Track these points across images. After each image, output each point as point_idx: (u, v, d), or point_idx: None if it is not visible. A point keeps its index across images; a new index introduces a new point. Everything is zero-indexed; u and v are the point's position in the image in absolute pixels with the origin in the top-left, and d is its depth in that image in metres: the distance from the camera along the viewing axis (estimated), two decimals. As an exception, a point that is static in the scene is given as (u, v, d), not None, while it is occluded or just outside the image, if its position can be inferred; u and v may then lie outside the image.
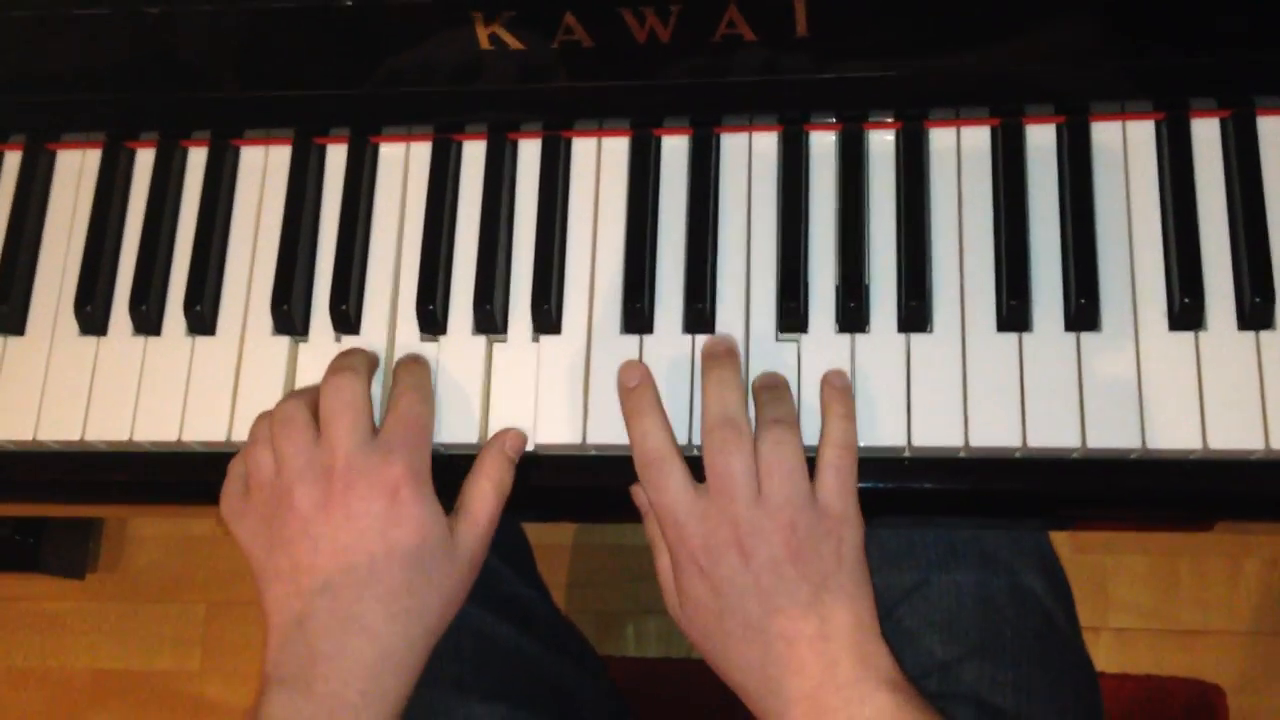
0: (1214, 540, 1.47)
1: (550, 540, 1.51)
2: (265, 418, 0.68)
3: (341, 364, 0.68)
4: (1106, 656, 1.45)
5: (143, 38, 0.68)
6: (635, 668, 1.42)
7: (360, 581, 0.63)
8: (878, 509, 0.68)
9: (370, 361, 0.70)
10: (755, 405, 0.66)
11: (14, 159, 0.78)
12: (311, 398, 0.68)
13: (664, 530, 0.65)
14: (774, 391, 0.66)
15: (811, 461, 0.64)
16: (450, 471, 0.68)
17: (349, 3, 0.64)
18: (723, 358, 0.66)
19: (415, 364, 0.71)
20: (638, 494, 0.68)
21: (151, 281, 0.74)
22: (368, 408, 0.66)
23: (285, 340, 0.73)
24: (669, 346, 0.69)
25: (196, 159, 0.77)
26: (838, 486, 0.64)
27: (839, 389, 0.66)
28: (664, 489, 0.64)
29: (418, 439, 0.66)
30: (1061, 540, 1.47)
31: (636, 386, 0.66)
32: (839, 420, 0.65)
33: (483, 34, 0.66)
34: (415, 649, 0.65)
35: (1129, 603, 1.46)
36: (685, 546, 0.64)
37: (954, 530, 0.82)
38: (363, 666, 0.63)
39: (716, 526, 0.63)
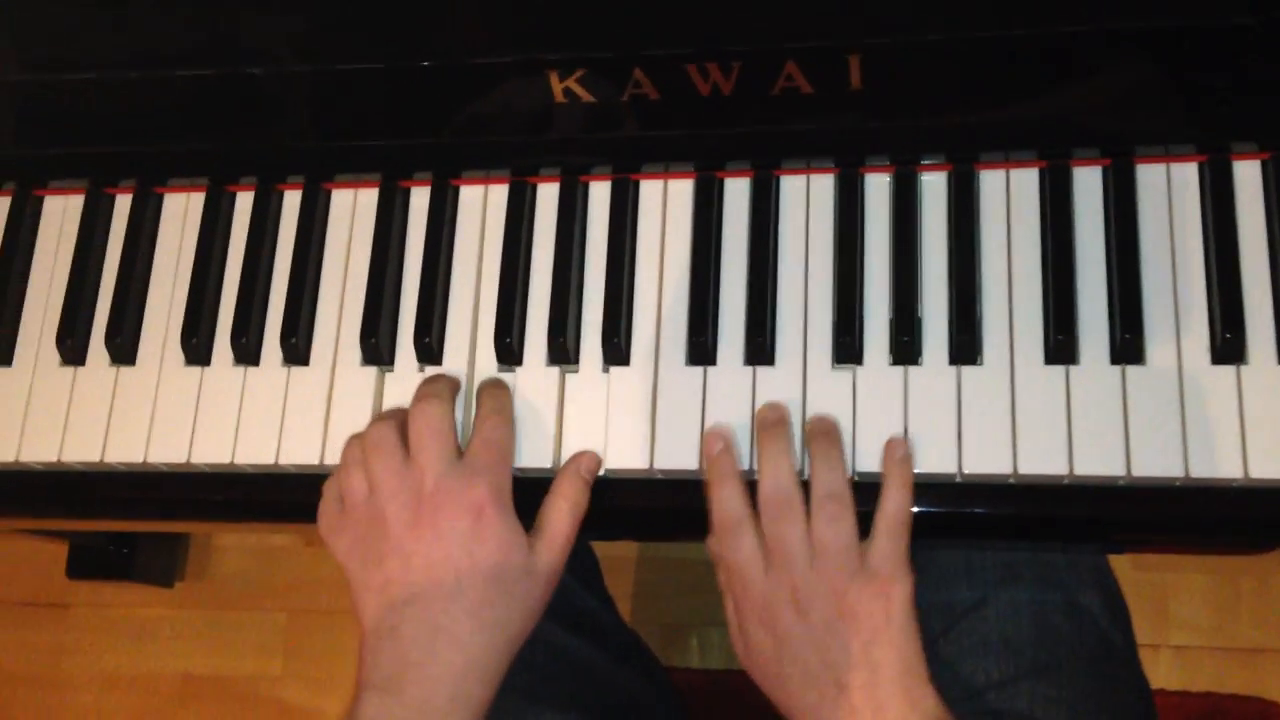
0: (1277, 560, 1.47)
1: (616, 553, 1.53)
2: (357, 441, 0.72)
3: (428, 391, 0.72)
4: (1167, 674, 1.45)
5: (244, 95, 0.73)
6: (699, 679, 1.45)
7: (448, 595, 0.67)
8: (933, 532, 0.71)
9: (454, 387, 0.74)
10: (810, 461, 0.69)
11: (124, 201, 0.83)
12: (400, 421, 0.72)
13: (732, 584, 0.70)
14: (826, 451, 0.69)
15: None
16: (527, 494, 0.71)
17: (433, 63, 0.68)
18: (774, 428, 0.70)
19: (497, 389, 0.75)
20: (711, 546, 0.72)
21: (251, 315, 0.79)
22: (453, 432, 0.70)
23: (373, 370, 0.77)
24: (731, 378, 0.73)
25: (291, 202, 0.81)
26: (890, 551, 0.67)
27: (899, 460, 0.69)
28: (737, 549, 0.68)
29: (500, 461, 0.70)
30: (1122, 559, 1.48)
31: (719, 454, 0.70)
32: (897, 491, 0.68)
33: (557, 88, 0.70)
34: (498, 658, 0.69)
35: (1189, 621, 1.46)
36: (750, 601, 0.68)
37: (1011, 551, 0.84)
38: (450, 674, 0.67)
39: (777, 587, 0.67)
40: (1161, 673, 1.45)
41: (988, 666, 0.80)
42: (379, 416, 0.74)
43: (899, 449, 0.69)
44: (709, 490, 0.70)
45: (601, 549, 1.05)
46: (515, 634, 0.70)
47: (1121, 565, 1.47)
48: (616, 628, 0.98)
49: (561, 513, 0.71)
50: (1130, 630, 0.87)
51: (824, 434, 0.70)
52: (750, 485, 0.69)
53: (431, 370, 0.77)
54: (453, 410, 0.72)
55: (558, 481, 0.72)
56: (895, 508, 0.68)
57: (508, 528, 0.69)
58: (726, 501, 0.69)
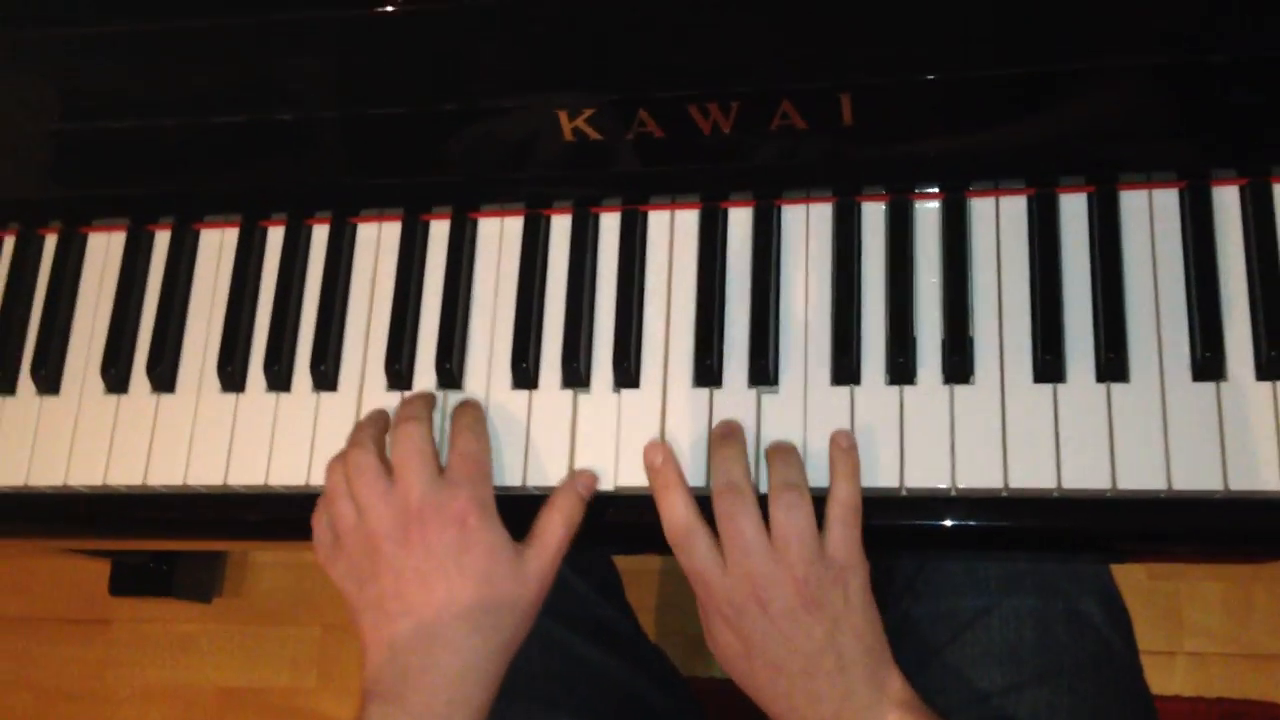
0: (1289, 566, 1.48)
1: (639, 566, 1.56)
2: (339, 465, 0.75)
3: (406, 413, 0.76)
4: (1182, 680, 1.47)
5: (275, 138, 0.78)
6: (719, 687, 1.48)
7: (440, 603, 0.71)
8: (925, 544, 0.75)
9: (430, 404, 0.78)
10: (769, 468, 0.72)
11: (163, 237, 0.88)
12: (376, 442, 0.75)
13: (695, 588, 0.72)
14: (784, 455, 0.72)
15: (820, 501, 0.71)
16: (537, 510, 0.75)
17: (452, 107, 0.73)
18: (727, 437, 0.73)
19: (470, 407, 0.78)
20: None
21: (282, 344, 0.83)
22: (432, 450, 0.74)
23: (397, 395, 0.81)
24: (736, 398, 0.76)
25: (319, 235, 0.86)
26: (844, 539, 0.70)
27: (844, 449, 0.72)
28: (692, 553, 0.71)
29: (478, 473, 0.74)
30: (1136, 568, 1.51)
31: (661, 465, 0.74)
32: (845, 480, 0.71)
33: (567, 128, 0.74)
34: (493, 660, 0.72)
35: (1203, 627, 1.48)
36: (713, 601, 0.71)
37: (1012, 562, 0.86)
38: (447, 678, 0.70)
39: (737, 583, 0.70)
40: (1177, 679, 1.46)
41: (991, 674, 0.82)
42: (353, 438, 0.76)
43: (844, 439, 0.73)
44: (656, 501, 0.73)
45: (625, 563, 1.08)
46: (508, 636, 0.73)
47: (1136, 574, 1.49)
48: (636, 638, 1.00)
49: (554, 523, 0.74)
50: (1132, 636, 0.89)
51: (780, 450, 0.73)
52: (703, 503, 0.72)
53: (454, 395, 0.81)
54: (431, 429, 0.75)
55: (554, 495, 0.75)
56: (846, 495, 0.71)
57: (492, 535, 0.72)
58: (674, 509, 0.72)
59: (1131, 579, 1.51)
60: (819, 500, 0.71)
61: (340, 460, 0.76)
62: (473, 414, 0.77)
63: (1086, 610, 0.85)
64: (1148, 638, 1.47)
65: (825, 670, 0.69)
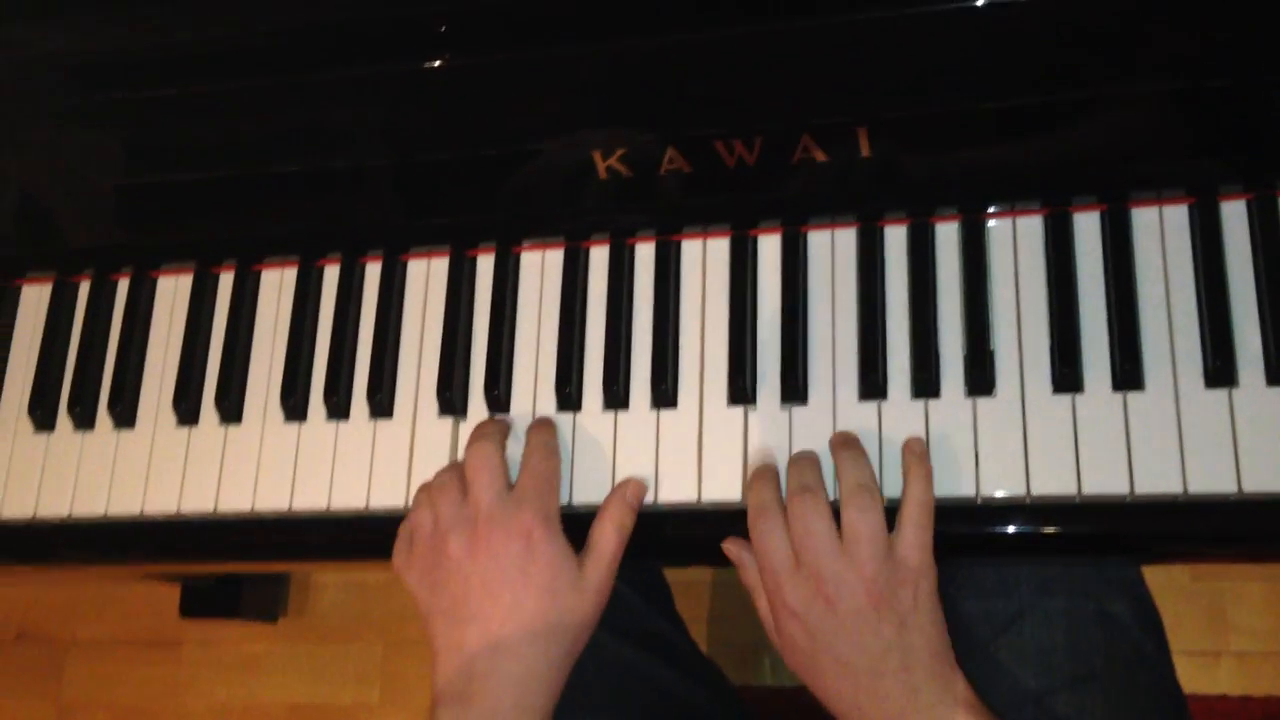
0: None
1: (691, 578, 1.59)
2: (425, 487, 0.80)
3: (479, 433, 0.80)
4: (1230, 680, 1.47)
5: (331, 186, 0.83)
6: (769, 695, 1.51)
7: (505, 610, 0.75)
8: (963, 550, 0.78)
9: (503, 429, 0.82)
10: (836, 466, 0.76)
11: (227, 278, 0.93)
12: (459, 467, 0.80)
13: (765, 580, 0.75)
14: (852, 453, 0.75)
15: (890, 511, 0.74)
16: (587, 526, 0.79)
17: (494, 151, 0.78)
18: (801, 459, 0.77)
19: (543, 426, 0.82)
20: (729, 548, 0.78)
21: (340, 375, 0.88)
22: (503, 467, 0.78)
23: (449, 420, 0.86)
24: (768, 416, 0.80)
25: (372, 272, 0.90)
26: (915, 541, 0.73)
27: (919, 455, 0.75)
28: (768, 537, 0.74)
29: (545, 489, 0.78)
30: (1180, 570, 1.52)
31: (762, 466, 0.78)
32: (919, 482, 0.74)
33: (601, 167, 0.79)
34: (555, 667, 0.76)
35: (1249, 627, 1.49)
36: (781, 596, 0.74)
37: (1045, 566, 0.88)
38: (512, 683, 0.74)
39: (806, 579, 0.72)
40: (1224, 679, 1.47)
41: (1026, 680, 0.84)
42: (445, 467, 0.82)
43: (917, 445, 0.76)
44: (749, 489, 0.76)
45: (675, 575, 1.11)
46: (569, 645, 0.77)
47: (1180, 576, 1.51)
48: (686, 648, 1.03)
49: (608, 534, 0.78)
50: (1163, 638, 0.90)
51: (846, 441, 0.76)
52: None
53: (501, 418, 0.85)
54: (502, 449, 0.80)
55: (605, 506, 0.79)
56: (920, 494, 0.73)
57: (556, 548, 0.76)
58: (761, 491, 0.76)
59: (1175, 581, 1.52)
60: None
61: (427, 483, 0.80)
62: (546, 433, 0.82)
63: (1117, 612, 0.87)
64: (1193, 638, 1.49)
65: (891, 669, 0.71)
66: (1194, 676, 1.47)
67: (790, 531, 0.74)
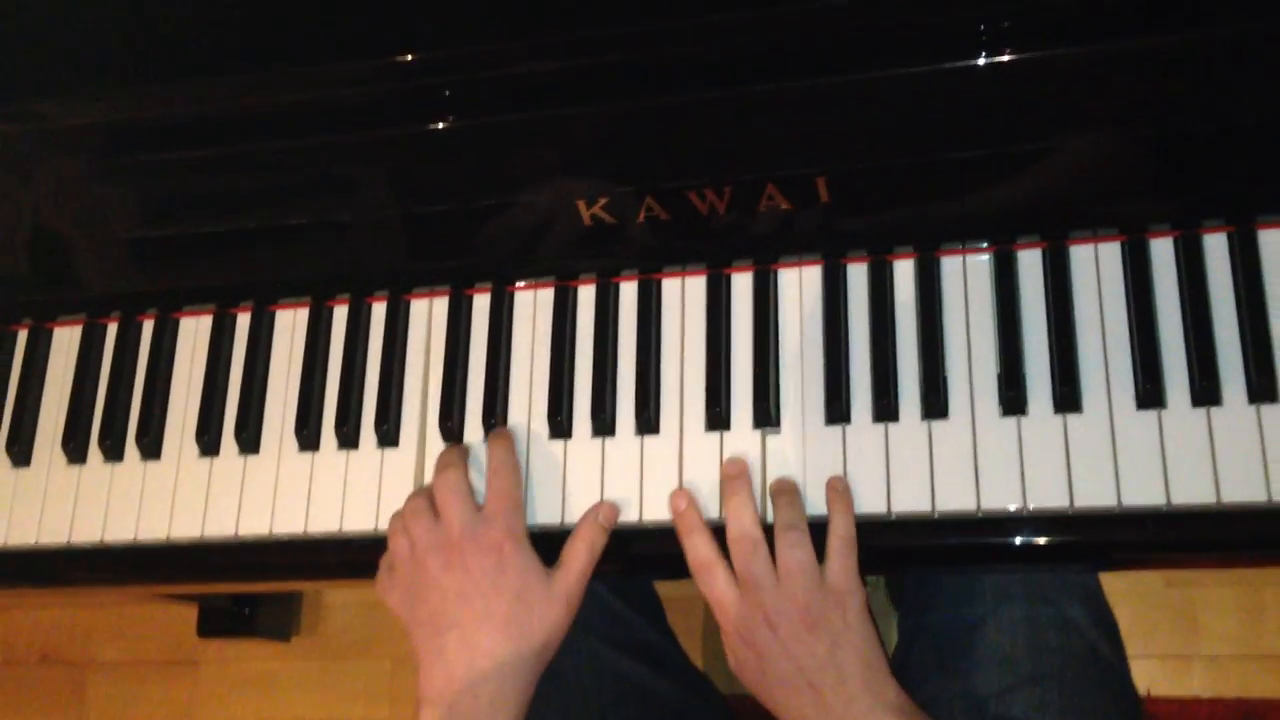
0: (1299, 569, 1.54)
1: (683, 593, 1.59)
2: (399, 515, 0.87)
3: (444, 461, 0.87)
4: (1201, 682, 1.52)
5: (337, 235, 0.91)
6: (756, 704, 1.57)
7: (479, 616, 0.82)
8: (917, 561, 0.84)
9: (465, 452, 0.89)
10: (774, 509, 0.83)
11: (244, 319, 1.00)
12: (429, 494, 0.87)
13: (716, 614, 0.84)
14: (787, 497, 0.83)
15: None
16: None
17: (489, 203, 0.85)
18: (735, 480, 0.84)
19: (502, 443, 0.88)
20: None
21: (350, 407, 0.95)
22: (468, 490, 0.85)
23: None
24: (743, 440, 0.87)
25: (378, 311, 0.97)
26: (841, 569, 0.81)
27: (840, 491, 0.83)
28: (712, 586, 0.83)
29: (511, 506, 0.85)
30: (1154, 576, 1.58)
31: (685, 510, 0.85)
32: (841, 516, 0.82)
33: (585, 214, 0.86)
34: (527, 665, 0.83)
35: (1219, 631, 1.54)
36: (731, 625, 0.83)
37: (1004, 574, 0.94)
38: (487, 680, 0.81)
39: (751, 610, 0.81)
40: (1195, 682, 1.52)
41: (989, 678, 0.91)
42: (413, 493, 0.88)
43: (839, 483, 0.84)
44: (681, 541, 0.84)
45: (668, 590, 1.16)
46: (539, 646, 0.83)
47: (1153, 582, 1.57)
48: (677, 658, 1.09)
49: (578, 551, 0.85)
50: (1118, 640, 0.96)
51: (783, 491, 0.84)
52: (719, 531, 0.83)
53: (462, 445, 0.91)
54: (466, 473, 0.87)
55: (578, 526, 0.87)
56: (843, 529, 0.82)
57: (525, 559, 0.84)
58: (697, 549, 0.84)
59: (1149, 587, 1.57)
60: (817, 528, 0.82)
61: (400, 510, 0.87)
62: (502, 453, 0.88)
63: (1074, 615, 0.93)
64: (1166, 643, 1.55)
65: (828, 683, 0.80)
66: (1167, 679, 1.52)
67: (735, 571, 0.82)
